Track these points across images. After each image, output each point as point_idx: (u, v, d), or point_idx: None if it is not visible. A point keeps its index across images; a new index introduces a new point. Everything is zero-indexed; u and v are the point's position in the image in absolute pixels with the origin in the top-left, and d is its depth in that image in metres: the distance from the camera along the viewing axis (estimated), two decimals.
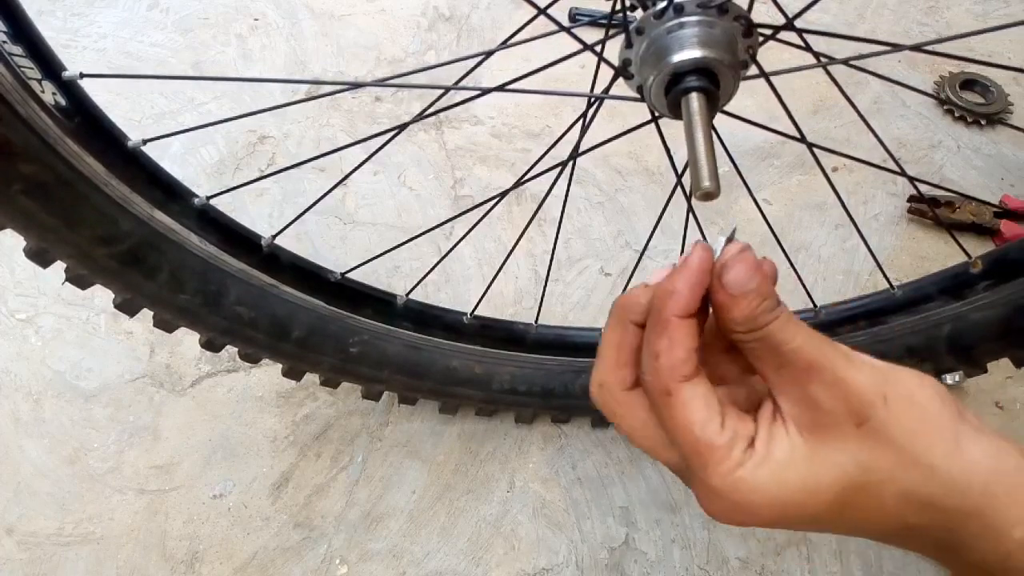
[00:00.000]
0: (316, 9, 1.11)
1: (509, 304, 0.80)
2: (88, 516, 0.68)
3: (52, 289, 0.81)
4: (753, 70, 0.38)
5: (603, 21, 1.02)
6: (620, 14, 0.38)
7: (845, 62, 0.42)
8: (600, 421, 0.70)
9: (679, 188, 0.51)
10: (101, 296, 0.80)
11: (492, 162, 0.93)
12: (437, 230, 0.85)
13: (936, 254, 0.82)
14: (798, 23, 0.40)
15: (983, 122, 0.94)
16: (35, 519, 0.67)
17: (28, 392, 0.75)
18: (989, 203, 0.71)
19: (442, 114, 0.98)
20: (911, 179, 0.49)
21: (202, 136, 0.94)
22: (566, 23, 0.82)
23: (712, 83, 0.34)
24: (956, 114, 0.95)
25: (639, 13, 0.36)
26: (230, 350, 0.77)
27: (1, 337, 0.78)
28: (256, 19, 1.10)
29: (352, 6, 1.12)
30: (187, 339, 0.78)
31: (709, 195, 0.32)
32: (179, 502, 0.68)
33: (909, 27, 1.06)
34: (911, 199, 0.86)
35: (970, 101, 0.96)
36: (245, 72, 1.03)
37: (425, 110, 0.47)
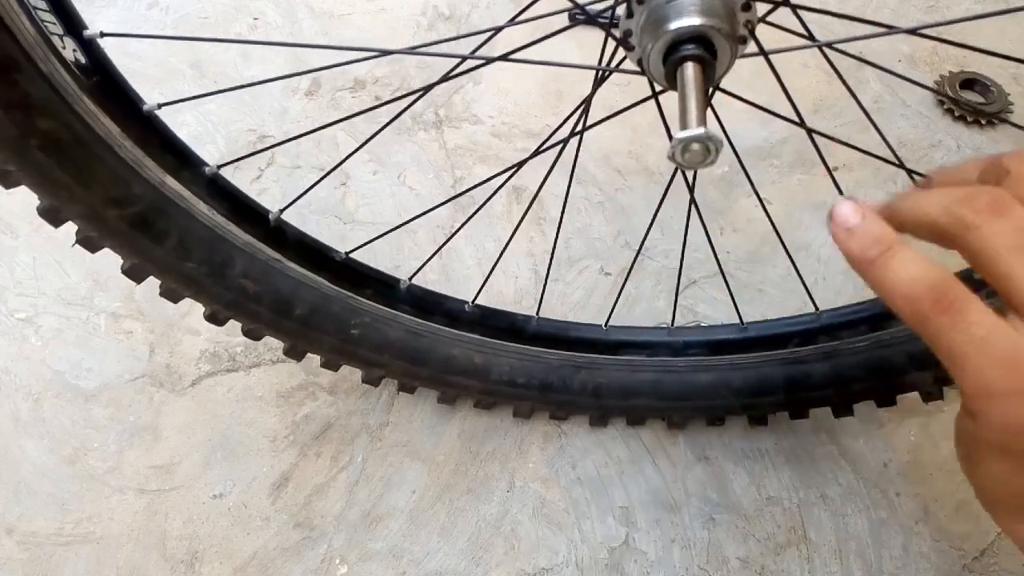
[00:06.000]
0: (316, 8, 1.11)
1: (509, 304, 0.80)
2: (88, 516, 0.68)
3: (52, 289, 0.81)
4: (752, 48, 0.39)
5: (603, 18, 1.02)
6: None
7: (836, 43, 0.42)
8: (598, 420, 0.70)
9: (680, 177, 0.51)
10: (101, 296, 0.80)
11: (492, 161, 0.93)
12: (438, 228, 0.86)
13: (936, 254, 0.82)
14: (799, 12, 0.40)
15: (983, 122, 0.94)
16: (35, 519, 0.67)
17: (28, 392, 0.75)
18: None
19: (442, 113, 0.98)
20: (909, 171, 0.49)
21: (203, 135, 0.94)
22: (567, 21, 0.81)
23: (709, 52, 0.34)
24: (956, 114, 0.95)
25: None
26: (230, 350, 0.78)
27: (1, 337, 0.78)
28: (255, 18, 1.10)
29: (352, 5, 1.12)
30: (187, 339, 0.78)
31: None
32: (179, 502, 0.68)
33: (909, 26, 1.06)
34: None
35: (970, 101, 0.96)
36: (245, 71, 1.03)
37: (446, 75, 0.47)
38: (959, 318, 0.26)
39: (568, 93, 0.99)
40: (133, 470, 0.70)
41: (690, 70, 0.34)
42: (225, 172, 0.49)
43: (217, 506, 0.68)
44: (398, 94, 0.99)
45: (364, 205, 0.89)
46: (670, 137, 0.48)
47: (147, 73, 1.01)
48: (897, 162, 0.49)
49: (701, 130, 0.32)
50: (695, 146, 0.33)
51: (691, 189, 0.53)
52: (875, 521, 0.65)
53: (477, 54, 0.44)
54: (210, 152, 0.93)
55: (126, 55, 1.04)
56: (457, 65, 0.46)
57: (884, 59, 1.01)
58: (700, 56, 0.34)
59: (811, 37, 0.43)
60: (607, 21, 0.40)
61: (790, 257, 0.60)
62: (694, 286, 0.80)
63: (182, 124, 0.95)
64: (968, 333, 0.26)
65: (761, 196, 0.53)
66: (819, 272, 0.79)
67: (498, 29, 0.45)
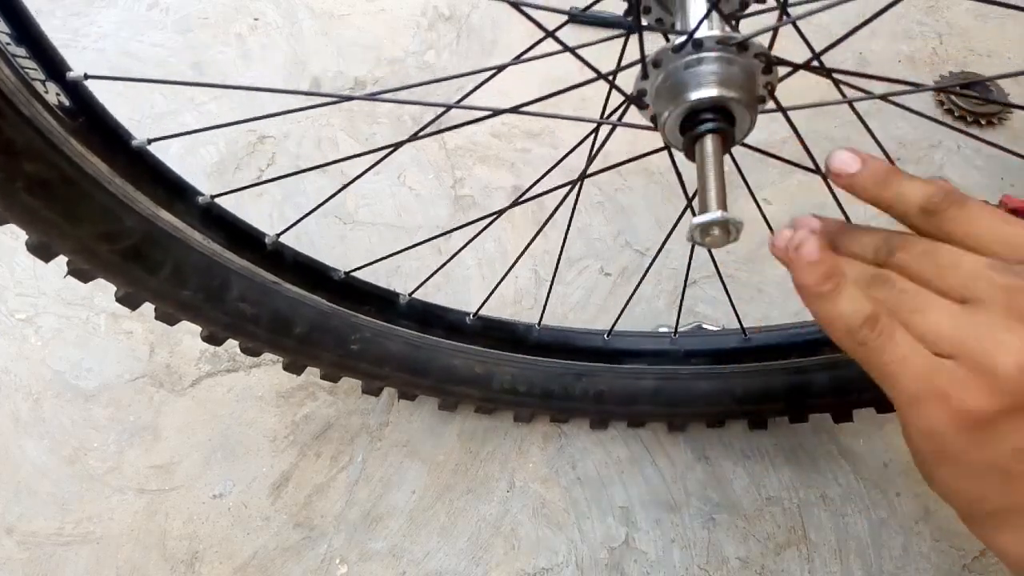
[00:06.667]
0: (316, 9, 1.11)
1: (509, 304, 0.80)
2: (88, 516, 0.68)
3: (52, 289, 0.81)
4: (771, 104, 0.38)
5: (610, 29, 1.02)
6: (629, 26, 0.37)
7: (883, 98, 0.41)
8: (599, 423, 0.70)
9: (690, 211, 0.51)
10: (101, 296, 0.80)
11: (492, 162, 0.93)
12: (438, 229, 0.86)
13: None
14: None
15: (983, 122, 0.94)
16: (35, 519, 0.67)
17: (28, 392, 0.75)
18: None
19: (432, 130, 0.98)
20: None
21: (203, 136, 0.94)
22: (570, 25, 0.81)
23: (728, 121, 0.33)
24: (956, 114, 0.95)
25: (654, 34, 0.35)
26: (230, 350, 0.78)
27: (1, 337, 0.78)
28: (256, 19, 1.10)
29: (352, 6, 1.12)
30: (187, 339, 0.78)
31: (715, 239, 0.33)
32: (179, 502, 0.68)
33: (909, 27, 1.06)
34: None
35: (971, 101, 0.96)
36: (245, 72, 1.03)
37: (426, 126, 0.47)
38: (888, 342, 0.31)
39: (570, 95, 0.99)
40: (133, 470, 0.70)
41: (709, 147, 0.33)
42: (224, 178, 0.48)
43: (217, 506, 0.68)
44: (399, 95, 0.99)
45: (364, 206, 0.89)
46: (680, 180, 0.48)
47: (148, 74, 1.01)
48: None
49: (721, 214, 0.32)
50: (715, 230, 0.32)
51: (690, 197, 0.53)
52: (875, 521, 0.65)
53: (466, 103, 0.43)
54: (209, 152, 0.93)
55: (127, 56, 1.04)
56: (441, 114, 0.45)
57: (884, 59, 1.01)
58: (720, 129, 0.33)
59: (841, 91, 0.42)
60: (639, 40, 0.39)
61: None
62: (694, 286, 0.80)
63: (182, 125, 0.95)
64: (894, 354, 0.30)
65: (762, 196, 0.53)
66: None
67: (500, 68, 0.44)
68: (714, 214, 0.32)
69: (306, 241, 0.85)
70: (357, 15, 1.11)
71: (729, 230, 0.33)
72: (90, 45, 1.05)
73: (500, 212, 0.54)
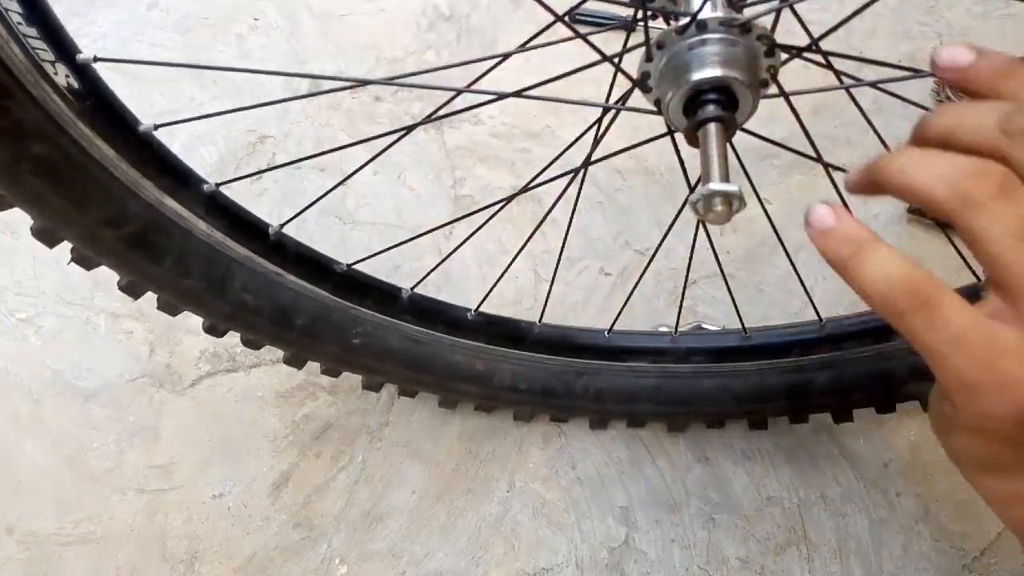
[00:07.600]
0: (316, 9, 1.11)
1: (509, 304, 0.80)
2: (88, 516, 0.68)
3: (52, 289, 0.81)
4: (773, 89, 0.38)
5: (609, 23, 1.02)
6: (632, 22, 0.38)
7: (872, 85, 0.42)
8: (599, 422, 0.70)
9: (683, 179, 0.51)
10: (101, 296, 0.80)
11: (492, 162, 0.93)
12: (437, 230, 0.86)
13: (935, 254, 0.82)
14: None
15: None
16: (35, 519, 0.67)
17: (28, 392, 0.75)
18: None
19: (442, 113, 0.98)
20: None
21: (202, 136, 0.94)
22: (573, 25, 0.81)
23: (731, 103, 0.34)
24: None
25: (657, 23, 0.36)
26: (230, 350, 0.78)
27: (1, 337, 0.78)
28: (256, 19, 1.10)
29: (352, 6, 1.12)
30: (187, 338, 0.78)
31: (718, 215, 0.33)
32: (179, 502, 0.68)
33: (909, 27, 1.06)
34: None
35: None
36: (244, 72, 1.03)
37: (436, 111, 0.47)
38: (934, 315, 0.26)
39: (570, 93, 0.99)
40: (133, 470, 0.70)
41: (712, 131, 0.33)
42: (224, 177, 0.49)
43: (217, 506, 0.68)
44: (399, 95, 0.99)
45: (364, 205, 0.89)
46: (683, 169, 0.48)
47: (148, 74, 1.01)
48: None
49: (724, 186, 0.32)
50: (718, 204, 0.33)
51: (692, 189, 0.53)
52: (875, 521, 0.65)
53: (476, 87, 0.43)
54: (209, 152, 0.93)
55: (127, 55, 1.04)
56: (451, 99, 0.46)
57: (883, 58, 1.01)
58: (723, 116, 0.34)
59: (839, 76, 0.42)
60: (643, 23, 0.39)
61: (790, 259, 0.60)
62: (694, 286, 0.80)
63: (182, 125, 0.95)
64: (942, 332, 0.26)
65: (761, 196, 0.53)
66: (819, 272, 0.79)
67: (506, 55, 0.44)
68: (718, 185, 0.32)
69: (306, 240, 0.85)
70: (357, 15, 1.11)
71: (732, 204, 0.33)
72: (90, 44, 1.05)
73: (509, 199, 0.54)
